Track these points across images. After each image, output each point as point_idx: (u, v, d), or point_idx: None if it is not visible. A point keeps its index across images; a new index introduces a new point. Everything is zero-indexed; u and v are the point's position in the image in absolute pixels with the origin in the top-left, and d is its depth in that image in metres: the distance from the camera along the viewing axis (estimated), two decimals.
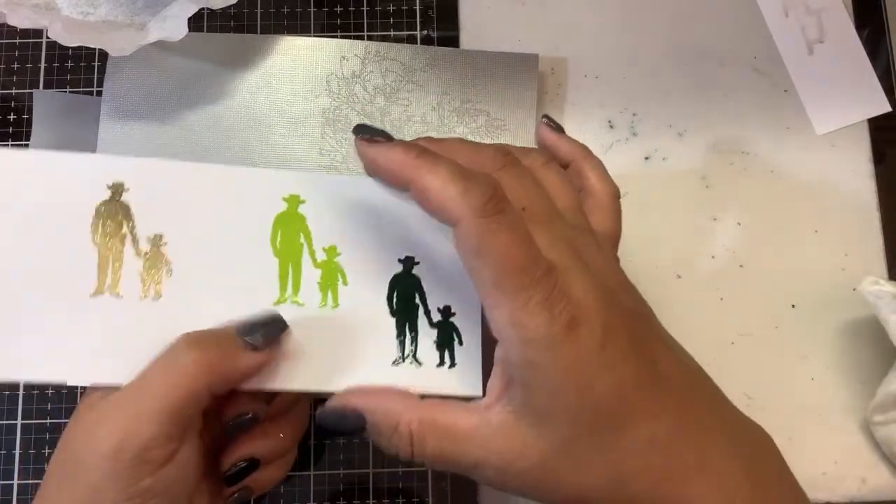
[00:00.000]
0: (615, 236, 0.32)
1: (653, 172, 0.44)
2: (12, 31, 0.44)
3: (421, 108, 0.43)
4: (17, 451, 0.40)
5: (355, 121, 0.43)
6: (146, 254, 0.29)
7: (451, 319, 0.30)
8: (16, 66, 0.45)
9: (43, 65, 0.45)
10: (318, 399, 0.30)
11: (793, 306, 0.43)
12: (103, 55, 0.42)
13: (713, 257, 0.44)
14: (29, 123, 0.44)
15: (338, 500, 0.40)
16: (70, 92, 0.44)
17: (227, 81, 0.43)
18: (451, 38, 0.46)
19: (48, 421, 0.41)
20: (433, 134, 0.42)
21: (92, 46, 0.39)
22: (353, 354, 0.30)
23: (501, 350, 0.27)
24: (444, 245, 0.30)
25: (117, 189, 0.29)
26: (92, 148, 0.42)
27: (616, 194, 0.32)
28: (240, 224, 0.30)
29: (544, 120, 0.35)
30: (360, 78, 0.43)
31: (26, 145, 0.43)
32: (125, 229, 0.29)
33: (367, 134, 0.29)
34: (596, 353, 0.25)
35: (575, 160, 0.33)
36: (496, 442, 0.27)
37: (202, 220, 0.30)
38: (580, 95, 0.45)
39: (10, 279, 0.28)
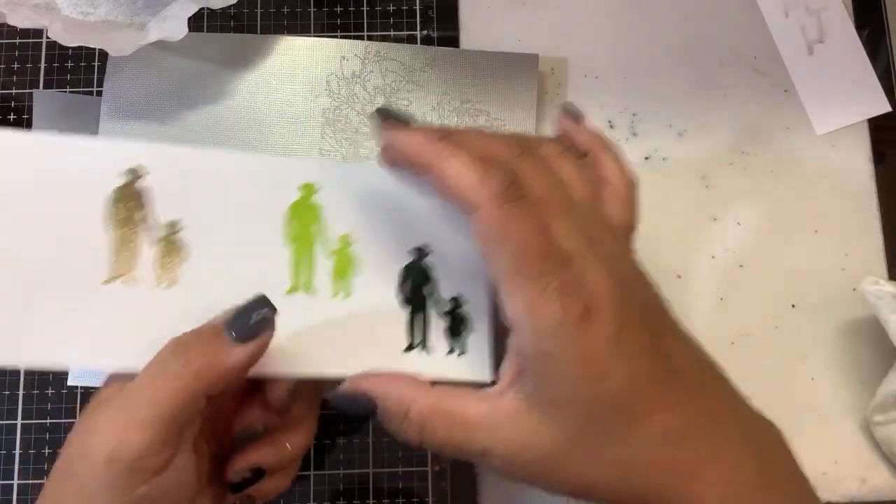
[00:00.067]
0: (631, 227, 0.31)
1: (653, 172, 0.44)
2: (12, 31, 0.44)
3: (421, 108, 0.43)
4: (17, 451, 0.40)
5: (355, 121, 0.43)
6: (161, 240, 0.29)
7: (462, 309, 0.31)
8: (16, 66, 0.45)
9: (43, 65, 0.45)
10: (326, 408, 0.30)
11: (793, 306, 0.43)
12: (103, 55, 0.42)
13: (713, 257, 0.44)
14: (29, 123, 0.44)
15: (338, 501, 0.40)
16: (70, 92, 0.44)
17: (227, 81, 0.43)
18: (451, 38, 0.46)
19: (48, 421, 0.40)
20: None
21: (92, 46, 0.39)
22: (364, 341, 0.30)
23: (514, 338, 0.27)
24: (456, 235, 0.31)
25: (133, 174, 0.29)
26: None
27: (633, 185, 0.32)
28: (255, 211, 0.30)
29: (564, 107, 0.34)
30: (360, 78, 0.43)
31: None
32: (140, 215, 0.29)
33: (388, 116, 0.29)
34: (610, 343, 0.25)
35: (592, 149, 0.32)
36: (505, 430, 0.27)
37: (218, 206, 0.30)
38: (580, 95, 0.45)
39: (24, 265, 0.28)
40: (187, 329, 0.27)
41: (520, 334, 0.26)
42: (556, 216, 0.27)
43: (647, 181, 0.47)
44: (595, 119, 0.45)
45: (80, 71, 0.45)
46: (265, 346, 0.27)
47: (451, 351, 0.30)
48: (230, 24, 0.46)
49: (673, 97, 0.46)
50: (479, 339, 0.31)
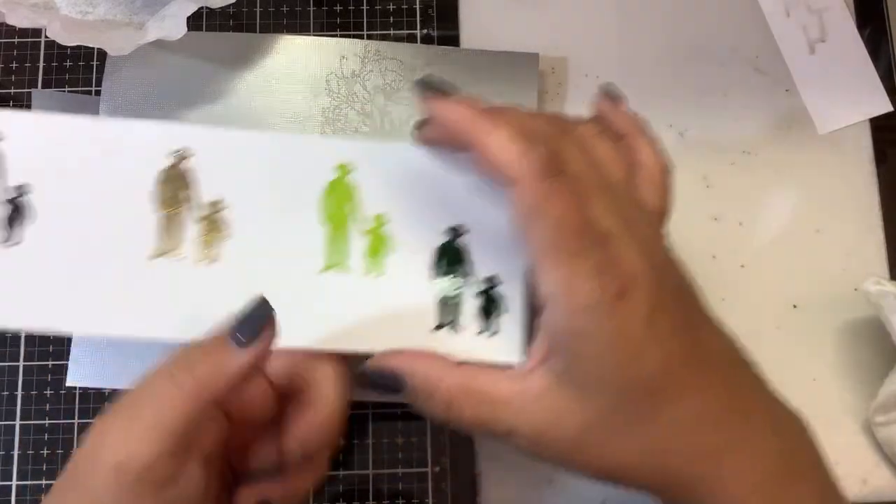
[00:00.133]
0: (664, 213, 0.31)
1: None
2: (11, 31, 0.44)
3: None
4: (16, 452, 0.40)
5: (355, 120, 0.43)
6: (204, 219, 0.30)
7: (496, 290, 0.31)
8: (14, 65, 0.45)
9: (41, 64, 0.45)
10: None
11: (794, 306, 0.43)
12: (102, 54, 0.42)
13: (714, 257, 0.43)
14: None
15: (338, 502, 0.40)
16: (69, 91, 0.44)
17: (227, 81, 0.43)
18: (451, 38, 0.46)
19: (47, 422, 0.40)
20: None
21: (90, 46, 0.39)
22: (394, 319, 0.30)
23: (547, 315, 0.26)
24: (490, 215, 0.31)
25: (180, 156, 0.30)
26: None
27: (668, 170, 0.31)
28: (292, 191, 0.31)
29: (604, 88, 0.33)
30: (359, 77, 0.43)
31: None
32: (185, 195, 0.30)
33: (430, 87, 0.28)
34: (644, 324, 0.25)
35: (629, 133, 0.32)
36: (533, 409, 0.27)
37: (258, 186, 0.31)
38: (580, 95, 0.45)
39: (77, 240, 0.30)
40: (228, 304, 0.28)
41: (553, 311, 0.26)
42: (593, 195, 0.26)
43: None
44: None
45: (78, 70, 0.45)
46: (268, 346, 0.27)
47: (481, 331, 0.30)
48: (229, 23, 0.45)
49: (673, 97, 0.45)
50: (511, 320, 0.30)
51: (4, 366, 0.41)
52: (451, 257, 0.31)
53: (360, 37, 0.45)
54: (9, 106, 0.44)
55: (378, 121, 0.43)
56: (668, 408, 0.26)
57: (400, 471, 0.40)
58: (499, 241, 0.31)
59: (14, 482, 0.40)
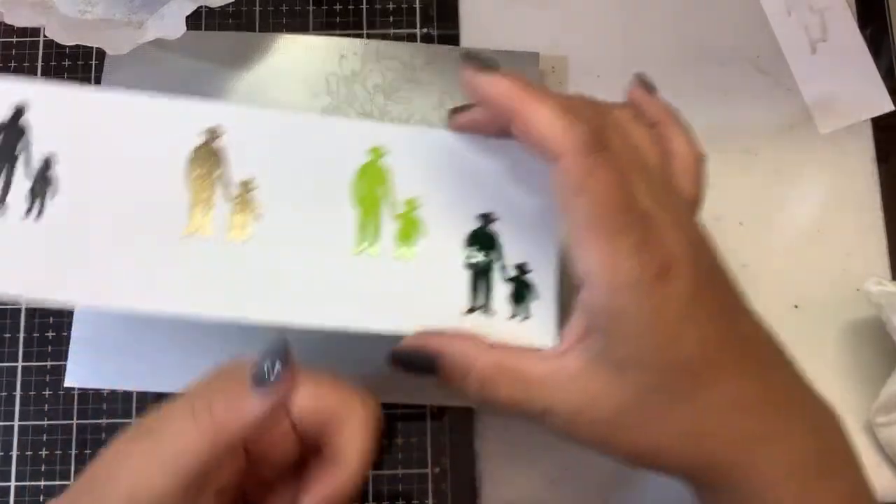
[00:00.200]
0: (696, 201, 0.31)
1: None
2: (9, 30, 0.44)
3: (421, 107, 0.43)
4: (14, 453, 0.40)
5: (355, 120, 0.43)
6: (236, 197, 0.30)
7: (528, 276, 0.31)
8: (13, 64, 0.45)
9: (40, 63, 0.45)
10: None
11: (795, 307, 0.43)
12: (101, 53, 0.42)
13: None
14: None
15: None
16: None
17: (226, 80, 0.43)
18: (451, 37, 0.45)
19: (45, 422, 0.40)
20: None
21: (89, 45, 0.39)
22: (425, 302, 0.30)
23: (585, 294, 0.26)
24: (523, 202, 0.31)
25: (212, 134, 0.30)
26: None
27: (701, 159, 0.31)
28: (324, 173, 0.31)
29: (638, 76, 0.33)
30: (359, 76, 0.43)
31: None
32: (217, 173, 0.30)
33: (475, 62, 0.28)
34: (684, 305, 0.25)
35: (662, 121, 0.31)
36: (569, 389, 0.26)
37: (290, 167, 0.30)
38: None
39: (112, 216, 0.29)
40: (259, 283, 0.29)
41: (592, 290, 0.26)
42: (634, 174, 0.26)
43: None
44: None
45: (77, 69, 0.44)
46: (289, 391, 0.27)
47: (513, 315, 0.30)
48: (228, 23, 0.45)
49: (674, 96, 0.45)
50: (544, 305, 0.30)
51: (3, 366, 0.41)
52: (482, 243, 0.31)
53: (360, 36, 0.45)
54: None
55: (378, 121, 0.43)
56: (703, 392, 0.26)
57: (400, 472, 0.40)
58: (530, 230, 0.31)
59: (13, 483, 0.40)
